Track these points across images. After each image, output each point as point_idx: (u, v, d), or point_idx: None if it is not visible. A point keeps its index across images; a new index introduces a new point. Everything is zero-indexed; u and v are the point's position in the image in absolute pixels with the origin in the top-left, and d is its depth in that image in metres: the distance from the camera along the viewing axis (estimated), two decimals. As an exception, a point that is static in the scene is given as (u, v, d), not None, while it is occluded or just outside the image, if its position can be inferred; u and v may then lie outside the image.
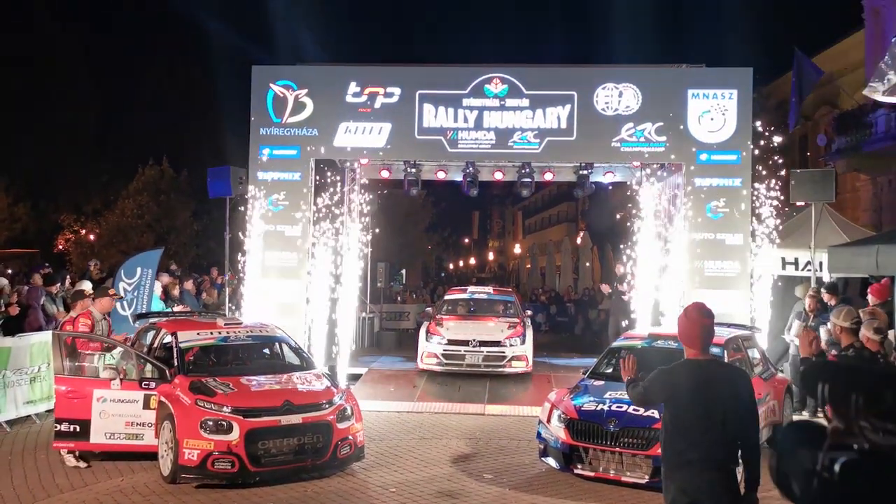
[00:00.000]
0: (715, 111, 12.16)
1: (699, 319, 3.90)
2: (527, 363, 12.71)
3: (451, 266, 65.55)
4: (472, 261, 70.69)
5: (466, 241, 73.22)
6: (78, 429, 7.71)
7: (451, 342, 12.77)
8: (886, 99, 9.71)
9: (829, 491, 1.32)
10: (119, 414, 7.79)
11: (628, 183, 14.14)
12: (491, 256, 74.47)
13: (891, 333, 8.03)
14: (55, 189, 31.40)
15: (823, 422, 1.46)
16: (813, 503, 1.37)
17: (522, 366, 12.64)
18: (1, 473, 7.60)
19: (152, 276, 11.57)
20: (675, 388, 3.87)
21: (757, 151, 12.34)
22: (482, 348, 12.62)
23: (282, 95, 12.49)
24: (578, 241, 35.34)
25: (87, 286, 11.01)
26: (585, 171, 12.75)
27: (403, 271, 34.78)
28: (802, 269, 12.78)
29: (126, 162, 29.90)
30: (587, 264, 30.41)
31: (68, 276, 13.38)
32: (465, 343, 12.69)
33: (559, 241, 41.15)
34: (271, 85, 12.52)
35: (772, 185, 12.09)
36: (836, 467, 1.31)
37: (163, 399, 7.53)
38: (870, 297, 9.91)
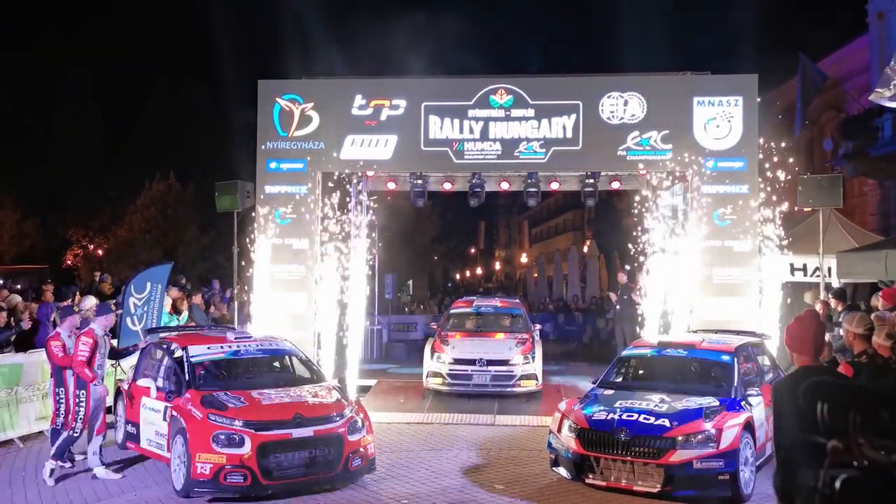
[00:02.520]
0: (721, 118, 12.17)
1: (813, 325, 3.83)
2: (537, 382, 12.22)
3: (458, 276, 65.52)
4: (479, 271, 70.60)
5: (473, 251, 73.15)
6: (134, 431, 8.52)
7: (456, 361, 12.18)
8: (892, 104, 9.70)
9: None
10: (151, 422, 8.25)
11: (635, 191, 14.14)
12: (497, 266, 74.40)
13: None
14: (63, 205, 31.59)
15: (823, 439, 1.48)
16: None
17: (532, 385, 12.14)
18: (15, 489, 7.64)
19: (162, 290, 11.62)
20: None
21: (768, 160, 12.33)
22: (490, 368, 12.03)
23: (288, 109, 12.57)
24: (585, 249, 35.28)
25: (91, 302, 11.05)
26: (591, 181, 12.74)
27: (410, 282, 34.84)
28: (811, 276, 12.75)
29: (133, 177, 30.09)
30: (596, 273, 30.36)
31: (78, 292, 13.43)
32: (472, 362, 12.10)
33: (566, 249, 41.12)
34: (277, 99, 12.60)
35: (779, 189, 12.08)
36: (837, 485, 1.33)
37: (175, 413, 7.57)
38: (881, 302, 9.86)
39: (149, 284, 11.04)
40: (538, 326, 14.32)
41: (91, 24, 39.98)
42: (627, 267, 15.73)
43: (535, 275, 48.23)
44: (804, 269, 12.92)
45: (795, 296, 12.57)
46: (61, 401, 8.19)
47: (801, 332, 3.84)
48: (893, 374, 5.34)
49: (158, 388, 8.24)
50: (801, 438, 1.55)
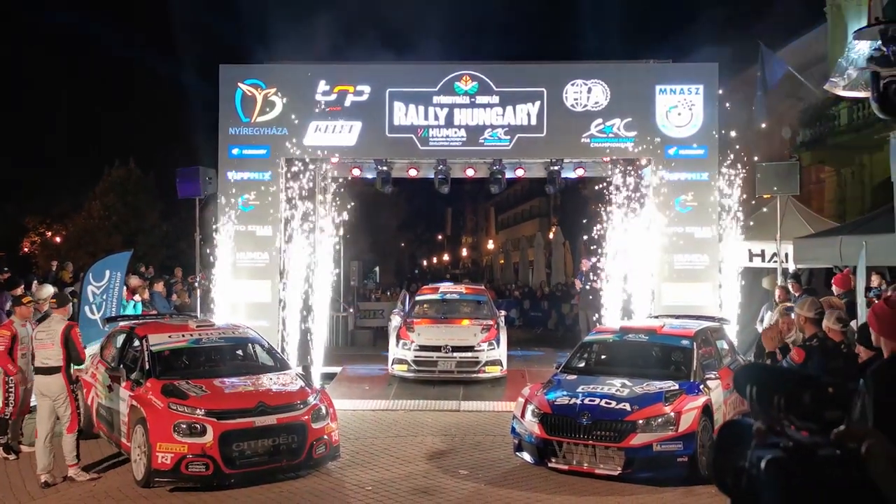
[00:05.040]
0: (682, 106, 12.32)
1: None
2: (501, 368, 12.38)
3: (425, 263, 65.56)
4: (446, 257, 70.76)
5: (440, 237, 73.27)
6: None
7: (422, 348, 12.28)
8: (846, 93, 9.91)
9: (756, 486, 1.40)
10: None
11: (598, 178, 14.26)
12: (465, 252, 74.62)
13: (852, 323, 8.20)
14: (20, 191, 30.85)
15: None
16: (743, 498, 1.45)
17: (497, 371, 12.30)
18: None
19: (121, 278, 11.42)
20: None
21: (730, 149, 12.53)
22: (455, 354, 12.17)
23: (250, 94, 12.41)
24: (551, 236, 35.52)
25: (48, 291, 10.81)
26: (556, 167, 12.82)
27: (377, 269, 34.73)
28: (769, 261, 13.01)
29: (93, 163, 29.50)
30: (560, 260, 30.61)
31: (35, 281, 13.15)
32: (437, 349, 12.22)
33: (532, 236, 41.33)
34: (239, 84, 12.42)
35: (738, 178, 12.28)
36: (762, 464, 1.39)
37: (135, 403, 7.47)
38: (833, 288, 10.13)
39: (108, 273, 10.84)
40: (503, 313, 14.50)
41: (51, 10, 38.96)
42: (591, 255, 15.87)
43: (502, 261, 48.49)
44: (762, 254, 13.18)
45: (754, 281, 12.83)
46: (10, 390, 8.15)
47: (893, 316, 3.40)
48: (843, 357, 5.50)
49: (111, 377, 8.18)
50: (731, 419, 1.62)
